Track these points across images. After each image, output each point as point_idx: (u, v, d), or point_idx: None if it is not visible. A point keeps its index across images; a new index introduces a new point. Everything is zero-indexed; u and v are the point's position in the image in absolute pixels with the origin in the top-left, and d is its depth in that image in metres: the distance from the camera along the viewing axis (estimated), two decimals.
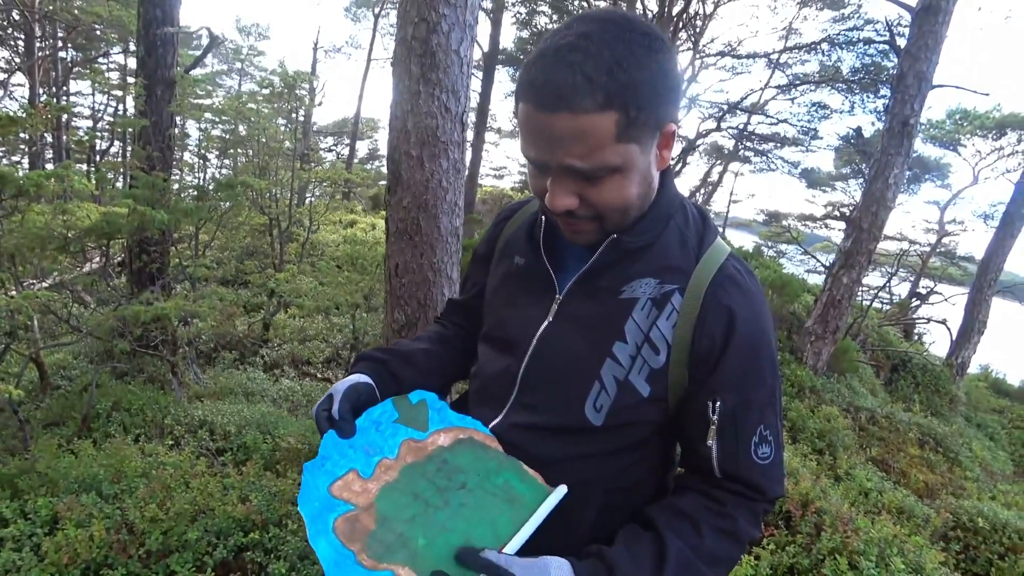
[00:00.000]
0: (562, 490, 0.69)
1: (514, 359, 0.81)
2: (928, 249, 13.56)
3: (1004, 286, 9.19)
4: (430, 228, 1.94)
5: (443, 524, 0.68)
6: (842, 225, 14.99)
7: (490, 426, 0.81)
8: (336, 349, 5.26)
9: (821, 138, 14.14)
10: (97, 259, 5.28)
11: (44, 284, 4.67)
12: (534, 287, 0.82)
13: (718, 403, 0.71)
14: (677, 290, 0.73)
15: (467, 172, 11.18)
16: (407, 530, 0.66)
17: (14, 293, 3.12)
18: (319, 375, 4.82)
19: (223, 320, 5.34)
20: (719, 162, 17.26)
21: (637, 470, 0.80)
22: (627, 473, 0.79)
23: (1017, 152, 11.86)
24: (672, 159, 0.74)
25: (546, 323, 0.79)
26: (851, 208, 14.06)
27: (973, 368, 8.82)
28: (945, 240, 14.05)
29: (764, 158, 16.38)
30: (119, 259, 5.34)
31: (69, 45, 12.12)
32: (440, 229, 1.96)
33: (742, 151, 16.36)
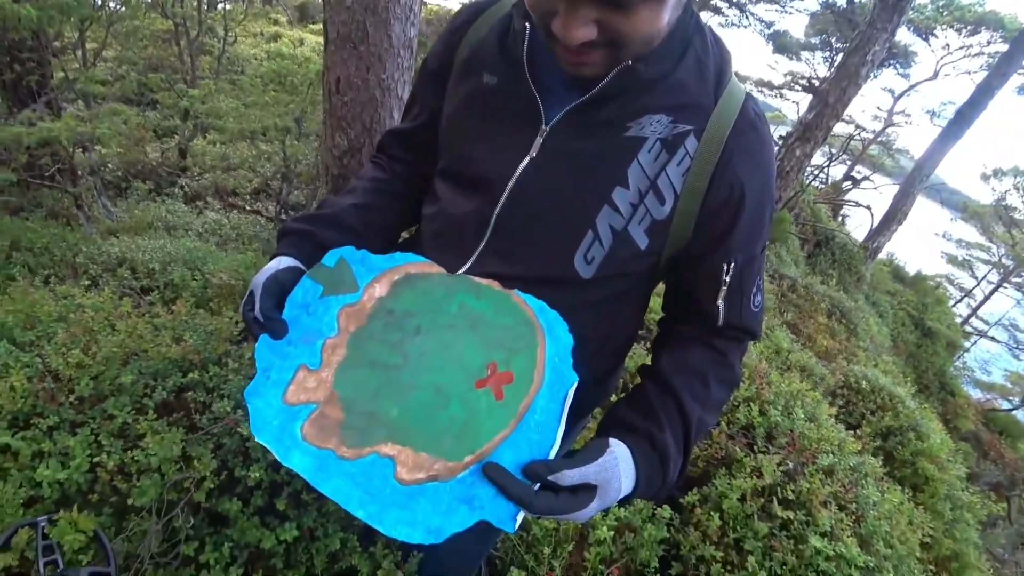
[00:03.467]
0: (574, 380, 0.63)
1: (485, 200, 0.69)
2: (871, 136, 13.87)
3: (931, 185, 9.76)
4: (379, 36, 1.63)
5: (409, 384, 0.61)
6: (797, 98, 14.86)
7: None
8: (265, 179, 4.84)
9: None
10: None
11: None
12: (511, 114, 0.68)
13: (731, 264, 0.68)
14: (692, 132, 0.63)
15: None
16: (376, 406, 0.60)
17: None
18: (247, 207, 4.48)
19: (131, 146, 4.70)
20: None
21: (617, 318, 0.77)
22: (607, 322, 0.76)
23: (984, 53, 11.72)
24: None
25: (527, 159, 0.66)
26: (814, 80, 13.80)
27: (882, 254, 9.72)
28: (888, 130, 14.37)
29: (738, 11, 15.26)
30: None
31: None
32: (391, 38, 1.65)
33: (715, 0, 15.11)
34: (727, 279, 0.69)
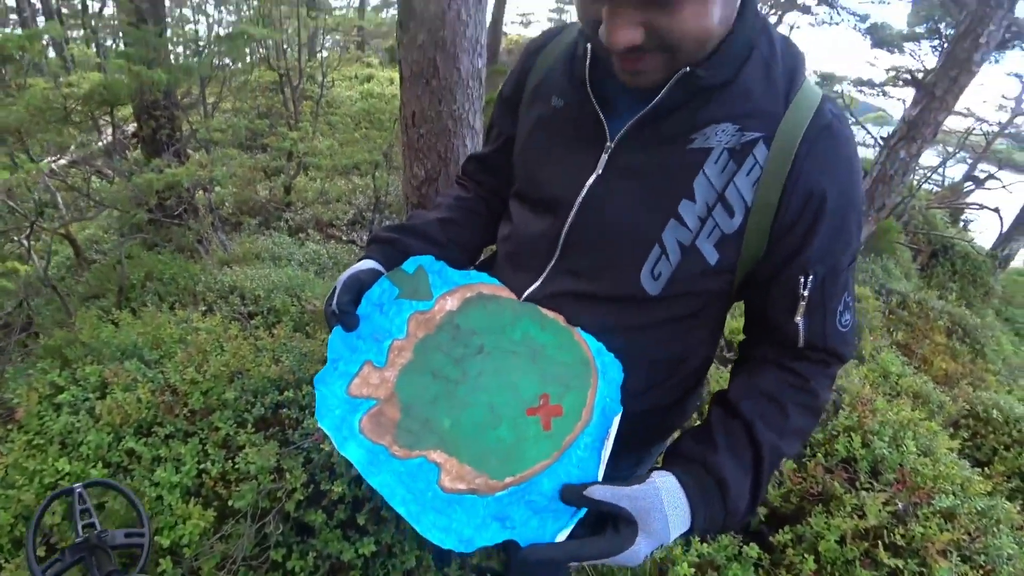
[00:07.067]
0: (618, 411, 0.64)
1: (555, 219, 0.70)
2: (996, 129, 12.25)
3: None
4: (448, 70, 1.71)
5: (464, 399, 0.64)
6: (903, 94, 13.51)
7: (525, 294, 0.73)
8: (359, 210, 5.23)
9: None
10: (110, 131, 5.10)
11: (62, 160, 4.58)
12: (577, 134, 0.69)
13: (810, 277, 0.63)
14: (762, 140, 0.60)
15: (491, 18, 9.93)
16: (431, 414, 0.63)
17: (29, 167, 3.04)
18: (344, 237, 4.85)
19: (244, 186, 5.28)
20: (775, 11, 15.15)
21: (685, 340, 0.74)
22: (676, 343, 0.73)
23: None
24: None
25: (594, 177, 0.67)
26: (920, 73, 12.51)
27: (1017, 262, 8.47)
28: (1018, 120, 12.60)
29: (828, 8, 14.29)
30: (133, 129, 5.14)
31: None
32: (460, 71, 1.72)
33: None
34: (805, 293, 0.63)
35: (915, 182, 7.26)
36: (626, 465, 0.85)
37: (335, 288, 0.71)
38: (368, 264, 0.75)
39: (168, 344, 1.97)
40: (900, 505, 1.79)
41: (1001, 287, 6.98)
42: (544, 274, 0.73)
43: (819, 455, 2.02)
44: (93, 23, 9.44)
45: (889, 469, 1.95)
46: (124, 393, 1.61)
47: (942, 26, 11.90)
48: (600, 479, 0.60)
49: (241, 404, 1.72)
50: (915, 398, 2.92)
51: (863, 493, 1.81)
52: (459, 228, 0.85)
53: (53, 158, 4.50)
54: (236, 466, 1.47)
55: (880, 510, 1.71)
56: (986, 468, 2.55)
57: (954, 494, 1.84)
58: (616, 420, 0.62)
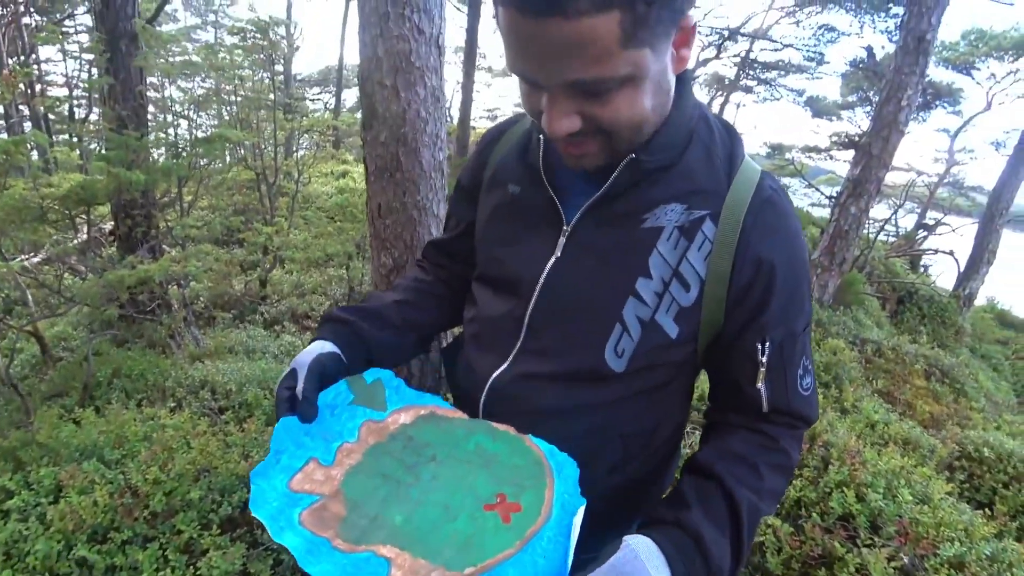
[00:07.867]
0: (582, 504, 0.62)
1: (518, 301, 0.71)
2: (936, 179, 13.23)
3: (1015, 216, 8.99)
4: (411, 164, 1.80)
5: (418, 499, 0.61)
6: (848, 156, 14.58)
7: (494, 376, 0.73)
8: (335, 301, 5.25)
9: (828, 63, 13.54)
10: (87, 229, 5.16)
11: (36, 258, 4.57)
12: (535, 219, 0.71)
13: (767, 343, 0.65)
14: (708, 216, 0.63)
15: (459, 115, 10.58)
16: (381, 511, 0.60)
17: None
18: None
19: (220, 280, 5.28)
20: (720, 93, 16.61)
21: (656, 411, 0.73)
22: (646, 416, 0.73)
23: None
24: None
25: (553, 259, 0.69)
26: (858, 137, 13.62)
27: (980, 300, 8.81)
28: (954, 170, 13.70)
29: (768, 87, 15.77)
30: (110, 227, 5.20)
31: (32, 9, 11.37)
32: (422, 164, 1.82)
33: (744, 80, 15.74)
34: (764, 360, 0.65)
35: (871, 235, 7.65)
36: (609, 542, 0.82)
37: (293, 370, 0.68)
38: (328, 347, 0.73)
39: (132, 442, 1.88)
40: (905, 559, 1.72)
41: (970, 325, 7.18)
42: (512, 355, 0.73)
43: (815, 515, 1.95)
44: (78, 129, 9.81)
45: (888, 522, 1.89)
46: (79, 496, 1.51)
47: (871, 94, 13.17)
48: (568, 569, 0.57)
49: (207, 504, 1.62)
50: (904, 445, 2.89)
51: (865, 550, 1.74)
52: (415, 310, 0.85)
53: (26, 256, 4.48)
54: (198, 572, 1.37)
55: (885, 567, 1.64)
56: (987, 509, 2.48)
57: (959, 541, 1.77)
58: (581, 511, 0.60)
